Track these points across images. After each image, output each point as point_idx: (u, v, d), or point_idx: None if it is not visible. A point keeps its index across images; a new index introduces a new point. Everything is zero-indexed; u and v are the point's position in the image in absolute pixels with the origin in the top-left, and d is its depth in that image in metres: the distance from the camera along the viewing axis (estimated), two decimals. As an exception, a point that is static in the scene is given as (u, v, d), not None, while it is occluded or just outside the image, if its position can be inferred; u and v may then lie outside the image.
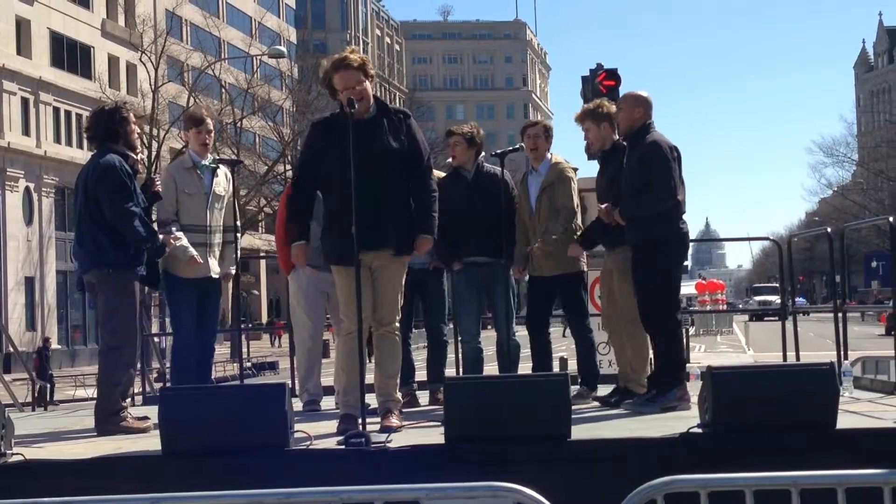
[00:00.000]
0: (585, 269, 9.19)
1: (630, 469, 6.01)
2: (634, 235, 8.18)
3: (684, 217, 8.20)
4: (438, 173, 9.58)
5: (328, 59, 7.46)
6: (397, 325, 7.44)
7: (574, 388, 8.25)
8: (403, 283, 7.46)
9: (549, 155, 9.14)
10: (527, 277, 9.24)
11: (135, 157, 8.11)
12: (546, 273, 8.96)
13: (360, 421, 6.73)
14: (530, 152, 9.13)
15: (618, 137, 8.75)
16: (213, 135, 9.01)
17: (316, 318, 9.31)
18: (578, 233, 8.97)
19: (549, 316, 9.30)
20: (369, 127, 7.15)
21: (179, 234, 8.57)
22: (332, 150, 7.12)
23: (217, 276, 8.93)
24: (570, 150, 9.05)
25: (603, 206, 8.34)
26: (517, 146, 9.10)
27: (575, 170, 9.15)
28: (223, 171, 9.11)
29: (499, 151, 8.94)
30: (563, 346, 9.02)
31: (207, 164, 8.89)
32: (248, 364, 35.14)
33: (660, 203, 8.03)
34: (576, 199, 8.98)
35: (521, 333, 9.24)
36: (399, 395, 7.58)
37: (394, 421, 7.22)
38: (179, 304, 8.84)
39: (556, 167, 9.03)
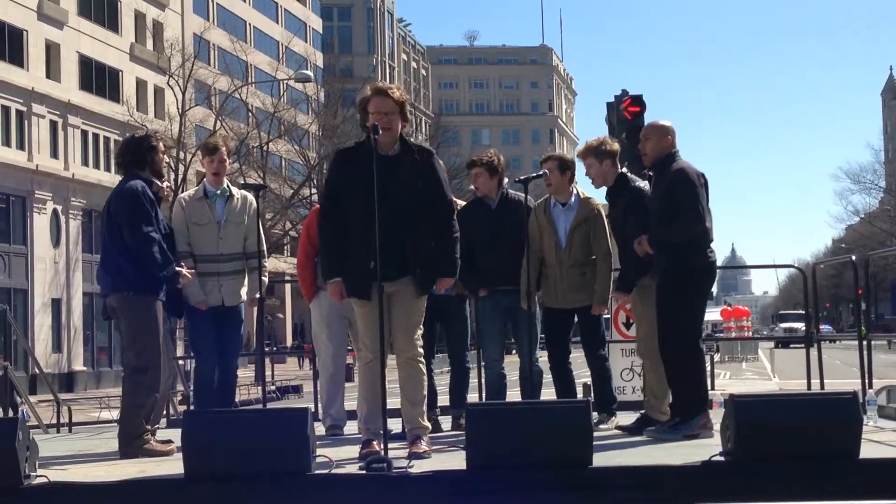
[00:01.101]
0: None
1: (652, 496, 6.02)
2: (663, 263, 8.18)
3: (712, 245, 8.23)
4: (460, 202, 9.62)
5: (372, 84, 7.52)
6: (420, 352, 7.44)
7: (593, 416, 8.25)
8: (423, 311, 7.46)
9: (575, 189, 9.14)
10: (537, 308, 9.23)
11: (159, 184, 8.18)
12: (570, 305, 8.98)
13: (382, 446, 6.77)
14: (547, 187, 9.15)
15: (620, 173, 8.85)
16: (226, 164, 8.99)
17: (338, 343, 9.35)
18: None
19: (569, 344, 9.29)
20: (392, 163, 7.16)
21: (189, 274, 8.52)
22: (354, 180, 7.15)
23: (231, 305, 8.94)
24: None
25: (637, 241, 8.33)
26: (541, 172, 9.12)
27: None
28: (240, 195, 9.09)
29: (522, 178, 8.96)
30: (587, 372, 9.02)
31: (219, 192, 8.92)
32: (272, 387, 35.21)
33: (688, 229, 8.05)
34: (610, 240, 9.03)
35: (545, 359, 9.25)
36: (427, 421, 7.57)
37: (423, 447, 7.22)
38: (197, 329, 8.90)
39: (588, 203, 9.06)
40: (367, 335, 7.24)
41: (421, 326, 7.45)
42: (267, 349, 48.12)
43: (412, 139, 7.50)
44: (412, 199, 7.19)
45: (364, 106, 7.33)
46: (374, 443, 7.10)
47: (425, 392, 7.54)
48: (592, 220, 8.97)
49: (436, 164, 7.39)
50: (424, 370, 7.51)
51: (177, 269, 8.26)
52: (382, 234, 6.85)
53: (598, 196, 9.37)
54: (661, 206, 8.16)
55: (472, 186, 9.50)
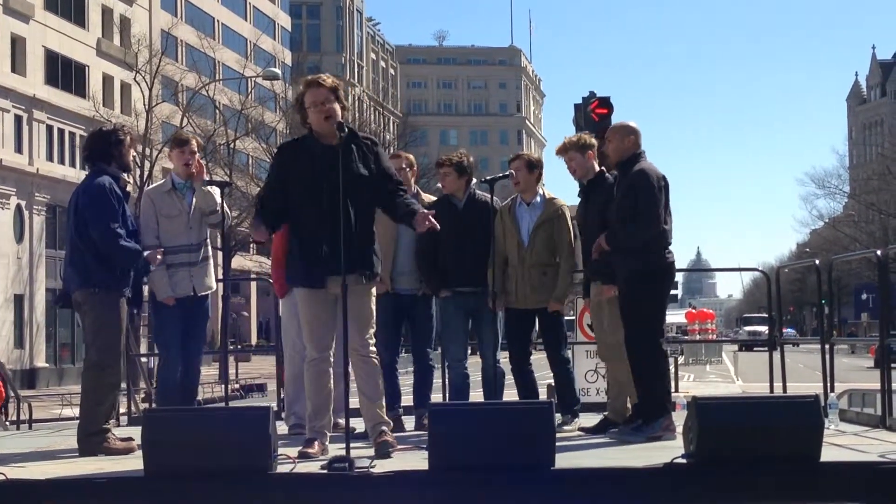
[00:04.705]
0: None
1: (613, 498, 6.03)
2: (621, 266, 8.20)
3: (670, 248, 8.24)
4: (429, 197, 9.59)
5: (302, 79, 7.55)
6: (373, 349, 7.40)
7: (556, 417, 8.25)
8: (374, 307, 7.44)
9: (540, 189, 9.14)
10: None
11: (126, 179, 8.14)
12: (530, 305, 8.96)
13: (324, 444, 6.97)
14: (514, 186, 9.14)
15: (600, 168, 8.83)
16: (195, 157, 8.96)
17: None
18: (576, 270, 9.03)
19: (530, 346, 9.29)
20: (335, 153, 7.11)
21: (159, 255, 8.51)
22: (299, 173, 7.15)
23: (202, 294, 8.91)
24: (564, 176, 9.07)
25: (595, 244, 8.35)
26: (507, 172, 9.11)
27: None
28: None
29: (488, 178, 8.96)
30: (551, 374, 9.05)
31: (187, 184, 8.88)
32: (237, 386, 35.08)
33: (645, 232, 8.06)
34: (573, 238, 9.03)
35: (508, 360, 9.23)
36: (387, 416, 7.54)
37: (388, 437, 7.19)
38: (163, 325, 8.84)
39: (552, 203, 9.05)
40: (313, 332, 7.23)
41: (373, 324, 7.42)
42: (231, 347, 48.01)
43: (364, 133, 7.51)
44: (358, 187, 7.14)
45: (301, 102, 7.34)
46: (317, 442, 7.11)
47: (381, 387, 7.50)
48: (556, 219, 8.98)
49: (380, 152, 7.41)
50: (378, 365, 7.46)
51: (146, 254, 8.21)
52: (329, 227, 6.92)
53: (565, 197, 9.38)
54: (622, 207, 8.17)
55: (440, 185, 9.46)
